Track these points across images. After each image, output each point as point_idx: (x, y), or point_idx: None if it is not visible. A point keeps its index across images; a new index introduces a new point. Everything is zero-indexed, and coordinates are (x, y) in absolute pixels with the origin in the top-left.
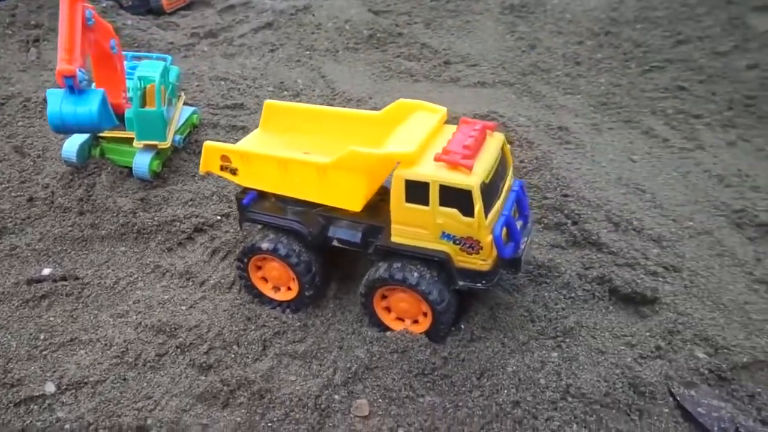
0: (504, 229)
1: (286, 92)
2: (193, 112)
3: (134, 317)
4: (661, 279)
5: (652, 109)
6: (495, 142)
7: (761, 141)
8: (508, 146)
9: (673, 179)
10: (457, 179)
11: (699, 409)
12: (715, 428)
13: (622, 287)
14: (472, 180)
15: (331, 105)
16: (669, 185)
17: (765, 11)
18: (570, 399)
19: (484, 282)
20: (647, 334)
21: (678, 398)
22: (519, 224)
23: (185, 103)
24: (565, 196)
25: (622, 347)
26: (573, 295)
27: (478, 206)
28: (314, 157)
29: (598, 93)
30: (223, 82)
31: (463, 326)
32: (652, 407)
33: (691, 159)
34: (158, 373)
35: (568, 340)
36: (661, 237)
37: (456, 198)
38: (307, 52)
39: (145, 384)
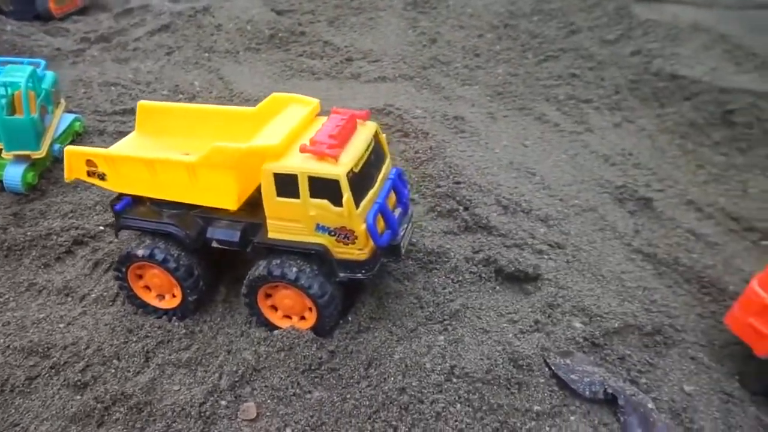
0: (379, 217)
1: (181, 95)
2: (75, 119)
3: (2, 340)
4: (545, 256)
5: (546, 96)
6: (366, 131)
7: (644, 121)
8: (383, 135)
9: (562, 161)
10: (324, 169)
11: (572, 376)
12: (587, 392)
13: (507, 267)
14: (338, 169)
15: (229, 106)
16: (558, 167)
17: (646, 2)
18: (454, 380)
19: (364, 272)
20: (529, 309)
21: (553, 368)
22: (398, 212)
23: (68, 111)
24: (458, 183)
25: (505, 324)
26: (461, 278)
27: (347, 195)
28: (181, 156)
29: (495, 83)
30: (113, 88)
31: (350, 318)
32: (530, 379)
33: (579, 141)
34: (28, 397)
35: (454, 322)
36: (548, 216)
37: (325, 188)
38: (206, 54)
39: (13, 410)
